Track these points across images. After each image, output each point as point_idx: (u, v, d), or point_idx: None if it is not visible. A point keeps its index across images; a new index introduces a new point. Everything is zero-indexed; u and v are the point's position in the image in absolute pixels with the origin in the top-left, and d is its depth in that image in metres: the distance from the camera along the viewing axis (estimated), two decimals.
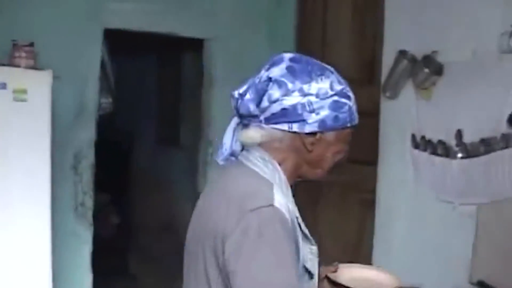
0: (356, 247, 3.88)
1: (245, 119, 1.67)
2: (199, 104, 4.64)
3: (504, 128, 2.78)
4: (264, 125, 1.63)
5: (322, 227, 4.05)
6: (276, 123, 1.62)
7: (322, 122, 1.61)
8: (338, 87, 1.62)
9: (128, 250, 6.24)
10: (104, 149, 4.36)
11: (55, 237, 3.34)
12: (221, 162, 1.74)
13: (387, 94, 3.40)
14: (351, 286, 1.81)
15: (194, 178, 4.69)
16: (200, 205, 1.74)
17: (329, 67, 1.67)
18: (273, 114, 1.61)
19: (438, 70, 3.09)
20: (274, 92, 1.60)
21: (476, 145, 2.87)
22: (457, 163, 3.01)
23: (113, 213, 6.40)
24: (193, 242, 1.69)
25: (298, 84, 1.60)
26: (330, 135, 1.64)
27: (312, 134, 1.62)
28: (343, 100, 1.62)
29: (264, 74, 1.64)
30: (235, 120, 1.72)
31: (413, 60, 3.21)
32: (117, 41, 4.24)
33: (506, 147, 2.78)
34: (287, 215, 1.57)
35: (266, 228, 1.50)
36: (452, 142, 3.03)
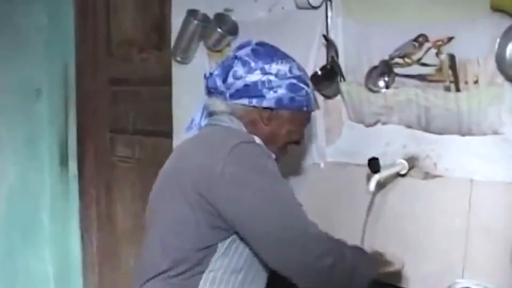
0: None
1: (213, 96, 1.77)
2: None
3: None
4: (228, 101, 1.73)
5: (117, 207, 3.54)
6: (238, 98, 1.72)
7: (279, 100, 1.72)
8: (296, 73, 1.76)
9: None
10: None
11: None
12: (189, 135, 1.84)
13: (178, 58, 2.88)
14: None
15: None
16: (172, 158, 1.80)
17: (291, 57, 1.80)
18: (237, 90, 1.72)
19: (232, 30, 2.63)
20: (239, 69, 1.72)
21: None
22: None
23: None
24: (165, 194, 1.72)
25: (260, 64, 1.71)
26: (286, 113, 1.75)
27: (269, 109, 1.73)
28: (301, 84, 1.75)
29: (231, 54, 1.79)
30: (205, 98, 1.83)
31: (204, 20, 2.71)
32: None
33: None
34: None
35: (254, 158, 1.60)
36: None
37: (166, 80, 3.02)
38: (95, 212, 3.66)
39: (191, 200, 1.60)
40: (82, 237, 3.73)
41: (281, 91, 1.72)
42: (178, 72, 2.95)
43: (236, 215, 1.57)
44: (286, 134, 1.79)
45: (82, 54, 3.64)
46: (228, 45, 2.66)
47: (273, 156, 1.72)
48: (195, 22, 2.71)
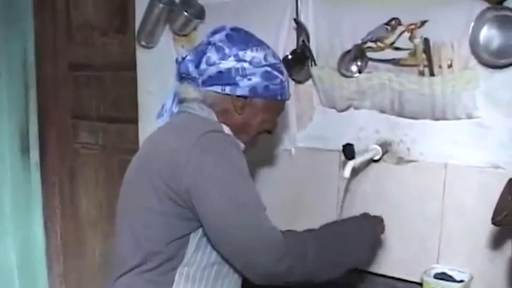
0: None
1: (185, 82, 1.70)
2: None
3: None
4: (200, 88, 1.65)
5: (80, 194, 3.44)
6: (211, 85, 1.64)
7: (253, 88, 1.64)
8: (271, 60, 1.67)
9: None
10: None
11: None
12: (160, 122, 1.76)
13: (143, 43, 2.78)
14: None
15: None
16: (144, 147, 1.73)
17: (266, 44, 1.72)
18: (209, 76, 1.64)
19: (199, 13, 2.54)
20: (212, 55, 1.64)
21: None
22: None
23: None
24: (135, 183, 1.65)
25: (234, 50, 1.63)
26: (259, 102, 1.67)
27: (243, 98, 1.65)
28: (275, 72, 1.67)
29: (205, 39, 1.69)
30: (176, 84, 1.74)
31: (170, 3, 2.61)
32: None
33: None
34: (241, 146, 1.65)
35: (221, 149, 1.51)
36: None
37: (129, 65, 2.91)
38: (58, 200, 3.55)
39: (158, 191, 1.53)
40: (46, 226, 3.61)
41: (255, 79, 1.64)
42: (142, 56, 2.85)
43: (198, 204, 1.49)
44: (259, 123, 1.71)
45: (42, 38, 3.48)
46: (195, 29, 2.57)
47: (242, 146, 1.66)
48: (161, 5, 2.60)
